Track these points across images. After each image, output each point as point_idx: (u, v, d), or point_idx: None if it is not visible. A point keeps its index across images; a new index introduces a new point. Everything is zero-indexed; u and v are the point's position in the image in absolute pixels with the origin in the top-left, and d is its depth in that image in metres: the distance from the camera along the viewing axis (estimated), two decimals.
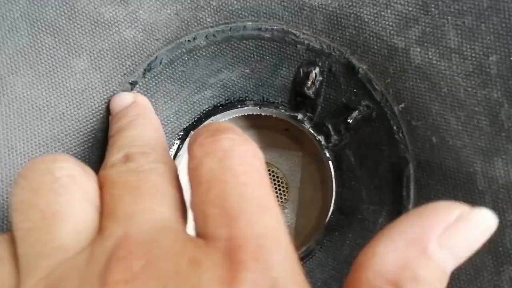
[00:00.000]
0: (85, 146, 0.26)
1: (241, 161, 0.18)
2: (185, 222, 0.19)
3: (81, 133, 0.26)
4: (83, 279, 0.16)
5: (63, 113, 0.26)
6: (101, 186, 0.20)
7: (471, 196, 0.24)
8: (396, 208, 0.26)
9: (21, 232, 0.18)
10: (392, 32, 0.25)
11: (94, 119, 0.27)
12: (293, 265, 0.16)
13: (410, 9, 0.25)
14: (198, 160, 0.18)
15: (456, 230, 0.16)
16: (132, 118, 0.24)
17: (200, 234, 0.17)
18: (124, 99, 0.26)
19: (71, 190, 0.18)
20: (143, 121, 0.24)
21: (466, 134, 0.24)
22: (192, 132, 0.31)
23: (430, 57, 0.24)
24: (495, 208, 0.23)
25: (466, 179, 0.24)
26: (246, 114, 0.31)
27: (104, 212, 0.19)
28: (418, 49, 0.25)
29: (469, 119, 0.24)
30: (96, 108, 0.26)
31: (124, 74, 0.27)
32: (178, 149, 0.31)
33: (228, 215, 0.16)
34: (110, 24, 0.26)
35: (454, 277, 0.23)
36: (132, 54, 0.27)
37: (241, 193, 0.17)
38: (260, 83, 0.30)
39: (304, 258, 0.29)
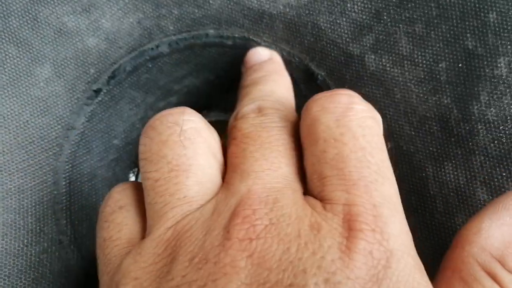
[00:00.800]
0: (50, 153, 0.27)
1: (360, 122, 0.18)
2: (304, 184, 0.19)
3: (45, 140, 0.27)
4: (208, 231, 0.16)
5: (27, 121, 0.26)
6: (232, 137, 0.20)
7: (423, 200, 0.24)
8: None
9: (149, 182, 0.19)
10: (347, 39, 0.26)
11: (59, 126, 0.27)
12: (407, 238, 0.17)
13: (364, 17, 0.25)
14: (314, 115, 0.18)
15: None
16: (268, 73, 0.25)
17: (316, 194, 0.17)
18: (261, 53, 0.26)
19: (196, 142, 0.19)
20: (277, 77, 0.24)
21: (419, 139, 0.24)
22: None
23: (384, 64, 0.25)
24: (445, 212, 0.23)
25: (419, 183, 0.24)
26: (213, 119, 0.32)
27: (231, 164, 0.19)
28: (373, 56, 0.25)
29: (421, 125, 0.24)
30: (60, 115, 0.27)
31: (88, 82, 0.27)
32: None
33: (346, 179, 0.16)
34: (73, 33, 0.26)
35: None
36: (95, 62, 0.27)
37: (359, 157, 0.17)
38: (224, 90, 0.30)
39: None
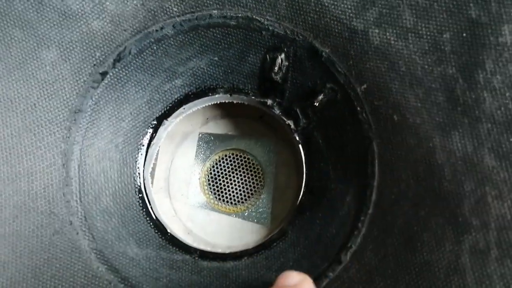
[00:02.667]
0: (58, 135, 0.27)
1: None
2: None
3: (53, 123, 0.27)
4: None
5: (35, 104, 0.26)
6: None
7: (431, 170, 0.24)
8: (362, 186, 0.27)
9: None
10: (351, 15, 0.26)
11: (66, 109, 0.27)
12: None
13: None
14: None
15: None
16: None
17: None
18: (290, 279, 0.24)
19: None
20: None
21: (425, 111, 0.25)
22: (164, 121, 0.31)
23: (388, 37, 0.25)
24: (453, 180, 0.24)
25: (426, 153, 0.25)
26: (218, 102, 0.32)
27: None
28: (377, 30, 0.25)
29: (427, 96, 0.25)
30: (67, 98, 0.27)
31: (94, 65, 0.27)
32: (151, 138, 0.31)
33: None
34: (77, 16, 0.27)
35: (417, 248, 0.24)
36: (101, 45, 0.27)
37: None
38: (229, 71, 0.30)
39: (277, 239, 0.30)
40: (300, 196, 0.30)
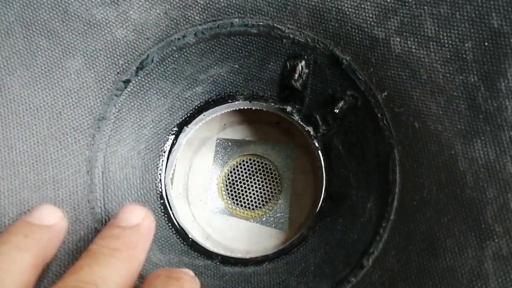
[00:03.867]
0: (83, 143, 0.27)
1: None
2: None
3: (78, 131, 0.27)
4: None
5: (60, 112, 0.27)
6: None
7: (454, 177, 0.25)
8: (383, 192, 0.27)
9: None
10: (372, 23, 0.26)
11: (91, 117, 0.27)
12: None
13: (389, 0, 0.26)
14: None
15: None
16: (121, 247, 0.22)
17: None
18: (133, 216, 0.24)
19: None
20: (128, 258, 0.22)
21: (446, 118, 0.25)
22: (185, 128, 0.32)
23: (410, 46, 0.26)
24: (476, 186, 0.24)
25: (448, 161, 0.25)
26: (237, 108, 0.32)
27: None
28: (398, 39, 0.26)
29: (449, 104, 0.25)
30: (91, 106, 0.27)
31: (118, 73, 0.28)
32: (173, 145, 0.32)
33: None
34: (102, 25, 0.27)
35: (440, 254, 0.24)
36: (124, 53, 0.28)
37: None
38: (249, 78, 0.31)
39: (298, 244, 0.30)
40: (320, 202, 0.31)
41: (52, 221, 0.23)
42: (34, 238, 0.22)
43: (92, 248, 0.22)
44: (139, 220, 0.24)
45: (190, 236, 0.31)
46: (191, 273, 0.24)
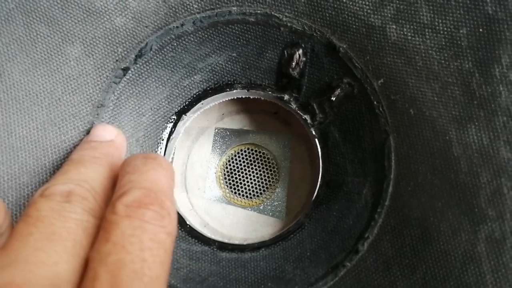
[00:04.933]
0: (81, 129, 0.28)
1: (153, 236, 0.19)
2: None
3: (76, 117, 0.27)
4: None
5: (59, 98, 0.27)
6: (28, 214, 0.19)
7: (448, 162, 0.25)
8: (379, 179, 0.27)
9: None
10: (368, 11, 0.26)
11: (89, 103, 0.28)
12: None
13: None
14: (116, 219, 0.19)
15: None
16: (100, 155, 0.24)
17: None
18: (106, 132, 0.26)
19: None
20: (106, 163, 0.24)
21: (441, 104, 0.25)
22: (183, 116, 0.32)
23: (405, 33, 0.26)
24: (470, 171, 0.24)
25: (442, 146, 0.25)
26: (235, 97, 0.33)
27: (11, 245, 0.18)
28: (394, 26, 0.26)
29: (444, 90, 0.25)
30: (90, 93, 0.28)
31: (116, 60, 0.28)
32: (171, 133, 0.32)
33: (116, 286, 0.17)
34: (101, 13, 0.27)
35: (434, 239, 0.25)
36: (123, 41, 0.28)
37: (136, 269, 0.18)
38: (247, 66, 0.31)
39: (294, 231, 0.31)
40: (317, 189, 0.31)
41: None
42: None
43: (73, 158, 0.24)
44: (112, 137, 0.26)
45: (188, 223, 0.31)
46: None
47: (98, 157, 0.24)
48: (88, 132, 0.28)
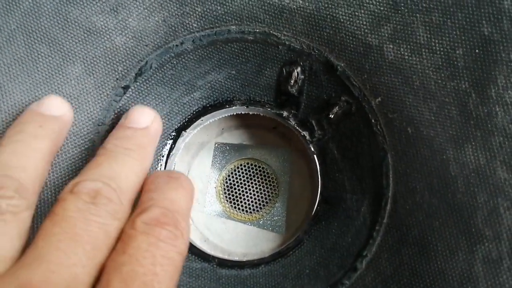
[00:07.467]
0: (82, 148, 0.28)
1: (165, 253, 0.20)
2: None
3: (78, 136, 0.28)
4: None
5: None
6: (55, 212, 0.20)
7: (445, 182, 0.25)
8: (377, 196, 0.28)
9: None
10: (366, 30, 0.27)
11: (90, 122, 0.28)
12: None
13: (382, 8, 0.26)
14: (134, 234, 0.20)
15: None
16: (134, 147, 0.24)
17: None
18: (144, 117, 0.26)
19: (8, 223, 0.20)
20: (139, 157, 0.24)
21: (438, 124, 0.25)
22: (183, 132, 0.32)
23: (402, 52, 0.26)
24: (467, 191, 0.24)
25: (440, 166, 0.25)
26: (234, 113, 0.33)
27: (35, 243, 0.19)
28: (391, 46, 0.26)
29: (441, 110, 0.25)
30: (91, 111, 0.28)
31: (117, 79, 0.28)
32: (171, 149, 0.32)
33: None
34: (101, 32, 0.28)
35: (431, 258, 0.25)
36: (123, 59, 0.28)
37: (147, 281, 0.19)
38: (246, 84, 0.31)
39: (293, 247, 0.31)
40: (316, 206, 0.31)
41: (61, 112, 0.25)
42: (48, 128, 0.24)
43: (107, 147, 0.24)
44: (148, 123, 0.26)
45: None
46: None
47: (131, 148, 0.24)
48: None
